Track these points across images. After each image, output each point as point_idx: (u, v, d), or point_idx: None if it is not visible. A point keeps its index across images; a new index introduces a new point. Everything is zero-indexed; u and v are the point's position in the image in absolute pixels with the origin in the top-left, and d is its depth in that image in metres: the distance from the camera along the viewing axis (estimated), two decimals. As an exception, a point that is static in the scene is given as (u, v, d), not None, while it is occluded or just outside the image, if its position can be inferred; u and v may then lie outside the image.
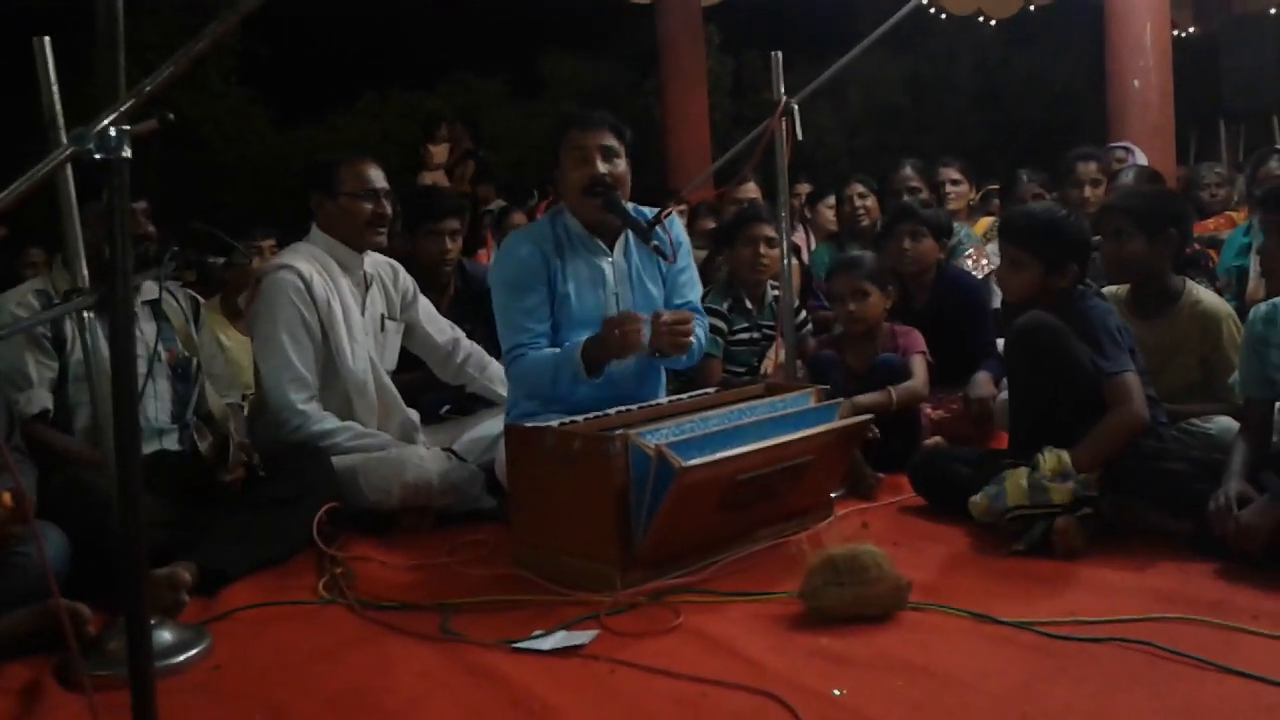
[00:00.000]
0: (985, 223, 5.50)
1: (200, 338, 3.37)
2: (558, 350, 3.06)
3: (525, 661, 2.26)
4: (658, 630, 2.38)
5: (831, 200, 6.20)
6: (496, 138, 14.00)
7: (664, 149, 9.48)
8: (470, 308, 4.09)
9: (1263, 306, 2.82)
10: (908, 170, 5.41)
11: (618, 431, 2.64)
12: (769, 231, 4.06)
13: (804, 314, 4.45)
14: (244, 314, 4.86)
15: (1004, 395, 3.69)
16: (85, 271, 2.44)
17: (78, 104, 1.85)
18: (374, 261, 3.66)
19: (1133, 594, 2.41)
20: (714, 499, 2.69)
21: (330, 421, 3.37)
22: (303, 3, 10.74)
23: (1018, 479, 2.78)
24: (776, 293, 4.15)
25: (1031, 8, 11.00)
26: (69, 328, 3.03)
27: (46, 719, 2.12)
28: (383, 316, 3.63)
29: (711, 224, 6.10)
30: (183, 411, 3.24)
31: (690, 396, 3.23)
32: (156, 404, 3.17)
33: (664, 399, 3.22)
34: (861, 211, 5.36)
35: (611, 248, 3.19)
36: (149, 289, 3.15)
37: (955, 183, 5.52)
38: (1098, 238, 3.41)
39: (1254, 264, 4.21)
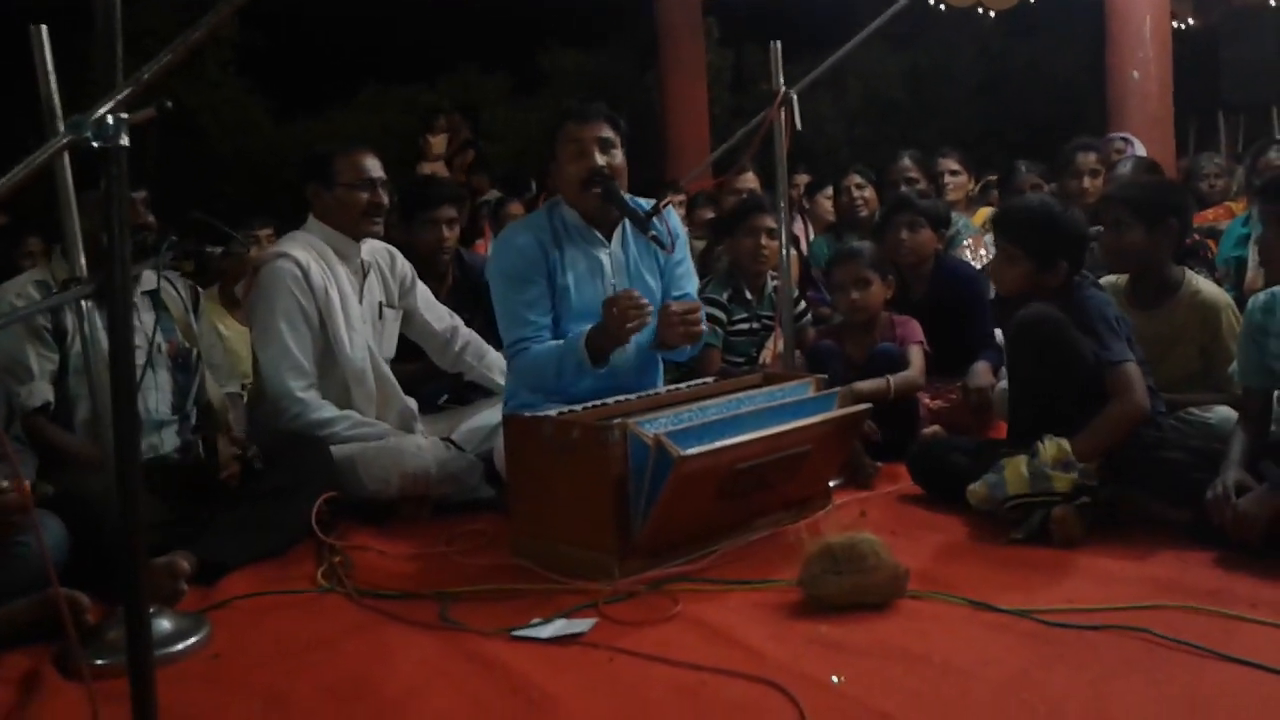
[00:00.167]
0: (984, 213, 5.49)
1: (199, 327, 3.36)
2: (561, 342, 3.05)
3: (524, 649, 2.27)
4: (656, 618, 2.38)
5: (830, 191, 6.19)
6: (497, 132, 13.97)
7: (664, 141, 9.48)
8: (468, 297, 4.09)
9: (1261, 296, 2.82)
10: (905, 161, 5.40)
11: (616, 421, 2.64)
12: (770, 222, 4.06)
13: (803, 304, 4.45)
14: (242, 303, 4.87)
15: (1002, 385, 3.69)
16: (83, 261, 2.43)
17: (79, 95, 1.84)
18: (371, 249, 3.65)
19: (1131, 582, 2.41)
20: (712, 488, 2.69)
21: (329, 410, 3.37)
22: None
23: (1017, 467, 2.78)
24: (776, 283, 4.15)
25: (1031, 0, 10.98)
26: (69, 320, 3.01)
27: (46, 707, 2.12)
28: (380, 304, 3.63)
29: (710, 214, 6.10)
30: (183, 402, 3.23)
31: (689, 386, 3.23)
32: (157, 395, 3.16)
33: (662, 389, 3.22)
34: (860, 202, 5.35)
35: (609, 239, 3.19)
36: (148, 279, 3.14)
37: (954, 173, 5.51)
38: (1097, 228, 3.41)
39: (1252, 254, 4.21)
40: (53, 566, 2.00)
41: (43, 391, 3.00)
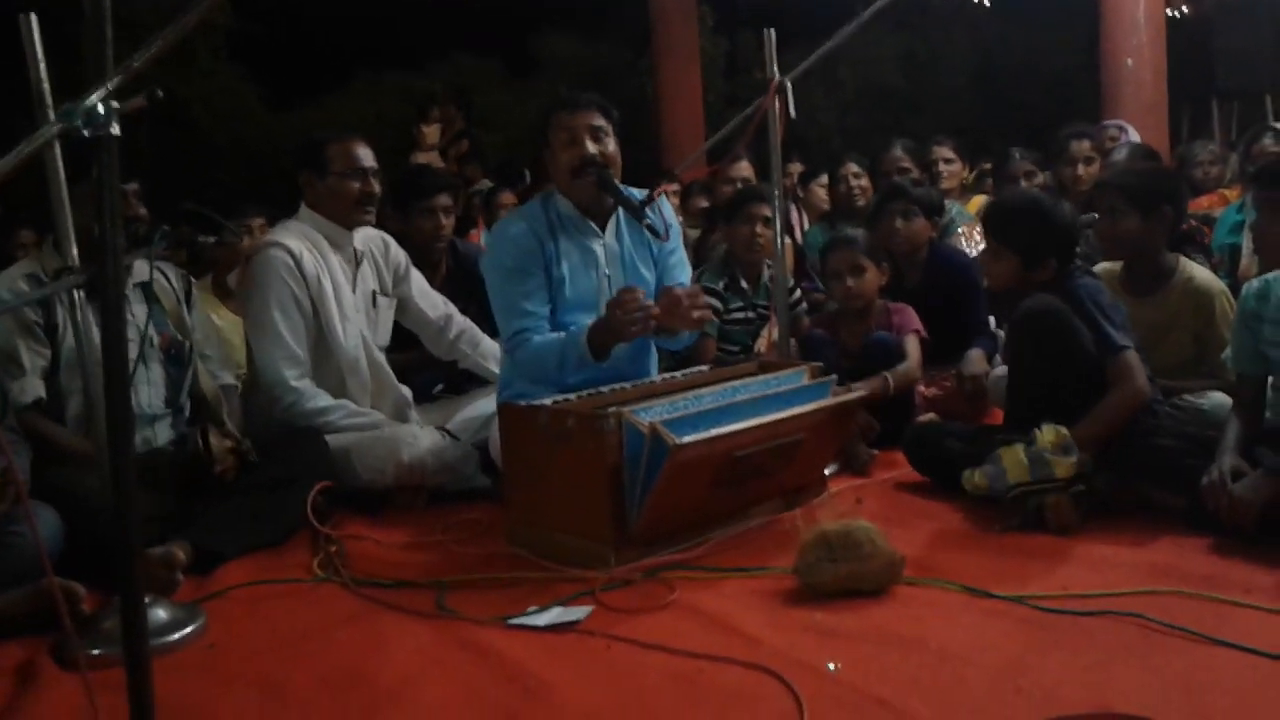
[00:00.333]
0: (978, 200, 5.49)
1: (193, 317, 3.33)
2: (562, 335, 3.04)
3: (520, 638, 2.27)
4: (652, 606, 2.39)
5: (824, 180, 6.18)
6: (490, 119, 13.93)
7: (657, 128, 9.46)
8: (463, 286, 4.08)
9: (1255, 282, 2.83)
10: (897, 151, 5.39)
11: (611, 409, 2.64)
12: (767, 211, 4.05)
13: (798, 293, 4.45)
14: (235, 293, 4.85)
15: (997, 372, 3.69)
16: (75, 251, 2.41)
17: (70, 87, 1.83)
18: (365, 237, 3.64)
19: (1126, 568, 2.42)
20: (708, 476, 2.69)
21: (323, 399, 3.37)
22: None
23: (1015, 454, 2.76)
24: (771, 272, 4.14)
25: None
26: (60, 314, 2.98)
27: (42, 698, 2.12)
28: (374, 293, 3.62)
29: (704, 203, 6.09)
30: (176, 396, 3.21)
31: (684, 374, 3.23)
32: (150, 390, 3.13)
33: (657, 377, 3.22)
34: (857, 191, 5.35)
35: (603, 230, 3.18)
36: (140, 270, 3.12)
37: (948, 161, 5.50)
38: (1091, 215, 3.40)
39: (1247, 241, 4.21)
40: (47, 556, 1.99)
41: (34, 388, 2.97)
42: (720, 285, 4.19)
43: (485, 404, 3.55)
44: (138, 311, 3.07)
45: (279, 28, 13.17)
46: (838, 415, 3.02)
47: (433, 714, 1.98)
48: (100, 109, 1.52)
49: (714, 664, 2.08)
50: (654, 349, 3.32)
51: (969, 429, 3.30)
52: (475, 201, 7.93)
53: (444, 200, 4.11)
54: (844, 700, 1.91)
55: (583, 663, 2.14)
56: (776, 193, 3.71)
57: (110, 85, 1.54)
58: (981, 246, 4.59)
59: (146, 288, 3.15)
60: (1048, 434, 2.75)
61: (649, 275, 3.24)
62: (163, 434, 3.15)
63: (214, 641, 2.38)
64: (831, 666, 2.02)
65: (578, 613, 2.35)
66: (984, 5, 12.04)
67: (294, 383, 3.34)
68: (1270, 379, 2.80)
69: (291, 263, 3.37)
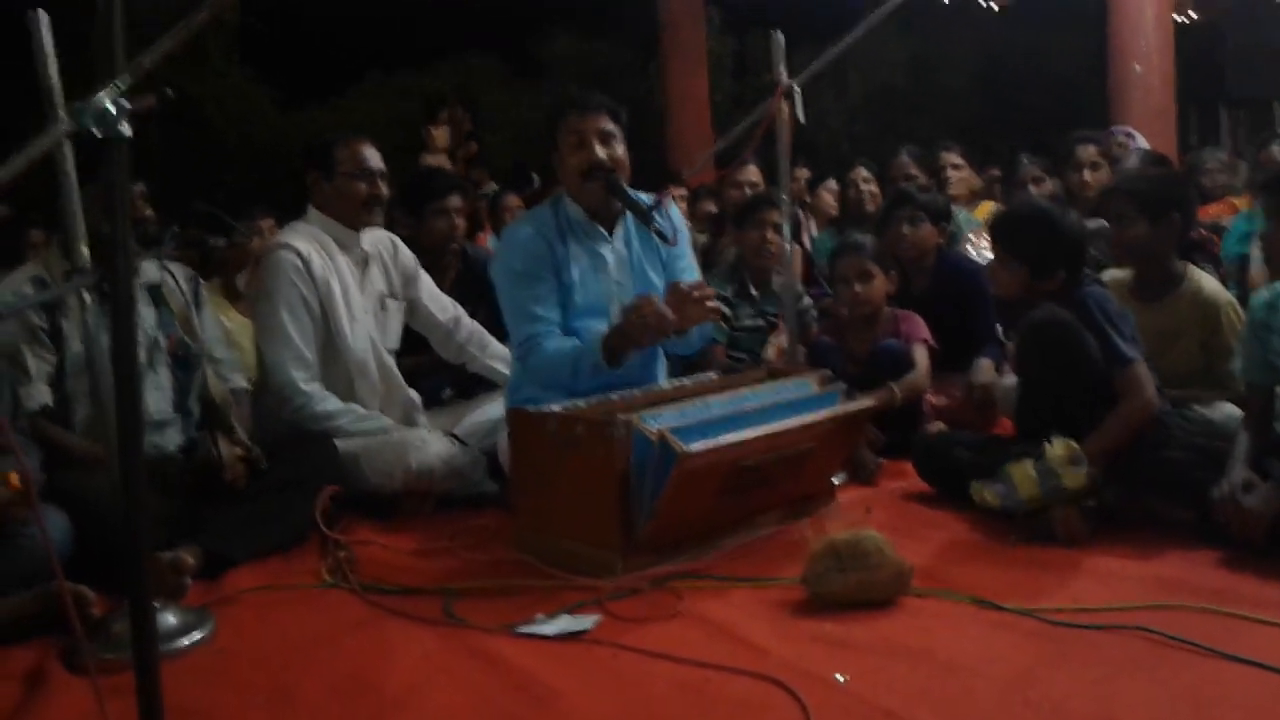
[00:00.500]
0: (987, 207, 5.48)
1: (202, 319, 3.31)
2: (576, 342, 3.02)
3: (527, 646, 2.27)
4: (660, 615, 2.38)
5: (832, 185, 6.17)
6: (497, 120, 13.91)
7: (664, 130, 9.44)
8: (472, 290, 4.07)
9: (1264, 292, 2.82)
10: (904, 158, 5.39)
11: (620, 416, 2.63)
12: (778, 217, 4.04)
13: (807, 299, 4.44)
14: (244, 295, 4.85)
15: (1005, 381, 3.68)
16: (85, 251, 2.41)
17: (78, 86, 1.83)
18: (374, 239, 3.64)
19: (1135, 581, 2.41)
20: (716, 485, 2.68)
21: (333, 403, 3.37)
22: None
23: (1024, 470, 2.74)
24: (781, 278, 4.14)
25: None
26: (65, 320, 2.95)
27: (52, 702, 2.12)
28: (382, 295, 3.61)
29: (712, 208, 6.08)
30: (184, 400, 3.18)
31: (693, 381, 3.22)
32: (158, 395, 3.09)
33: (666, 383, 3.22)
34: (867, 196, 5.35)
35: (611, 234, 3.17)
36: (147, 271, 3.11)
37: (956, 167, 5.50)
38: (1098, 221, 3.39)
39: (1255, 251, 4.20)
40: (57, 560, 1.99)
41: (41, 394, 2.94)
42: (729, 291, 4.19)
43: (494, 409, 3.54)
44: (145, 314, 3.06)
45: (288, 27, 13.17)
46: (847, 424, 3.01)
47: (440, 722, 1.98)
48: (111, 108, 1.52)
49: (721, 674, 2.07)
50: (662, 355, 3.32)
51: (978, 438, 3.29)
52: (482, 205, 7.92)
53: (456, 201, 4.10)
54: (852, 711, 1.91)
55: (590, 672, 2.14)
56: (785, 198, 3.70)
57: (121, 84, 1.54)
58: (988, 253, 4.59)
59: (154, 290, 3.13)
60: (1058, 448, 2.73)
61: (658, 280, 3.23)
62: (171, 440, 3.12)
63: (223, 646, 2.38)
64: (839, 677, 2.02)
65: (585, 621, 2.35)
66: (991, 9, 12.01)
67: (303, 385, 3.34)
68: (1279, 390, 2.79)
69: (300, 264, 3.37)
